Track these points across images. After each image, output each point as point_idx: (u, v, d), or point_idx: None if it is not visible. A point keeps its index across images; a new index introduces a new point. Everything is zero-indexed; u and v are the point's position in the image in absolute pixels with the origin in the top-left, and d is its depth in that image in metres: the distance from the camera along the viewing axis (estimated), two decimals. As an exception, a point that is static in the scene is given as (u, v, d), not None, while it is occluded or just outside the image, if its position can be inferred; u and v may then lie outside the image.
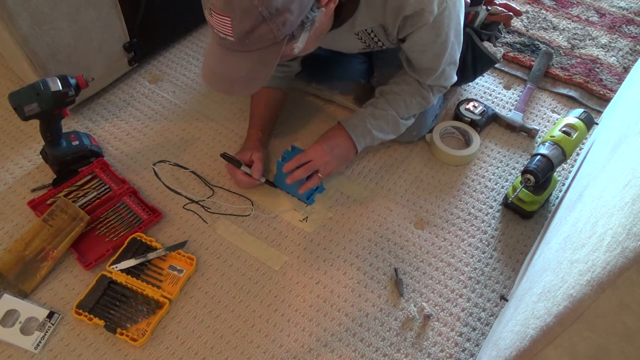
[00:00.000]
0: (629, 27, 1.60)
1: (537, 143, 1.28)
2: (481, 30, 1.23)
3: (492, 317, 0.97)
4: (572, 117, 1.09)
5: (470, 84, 1.40)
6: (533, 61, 1.45)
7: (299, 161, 1.02)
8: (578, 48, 1.52)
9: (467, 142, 1.25)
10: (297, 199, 1.12)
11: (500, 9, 1.26)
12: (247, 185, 1.10)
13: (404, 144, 1.24)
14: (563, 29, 1.58)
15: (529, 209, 1.09)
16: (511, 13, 1.26)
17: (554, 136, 1.05)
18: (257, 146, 1.12)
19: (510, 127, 1.30)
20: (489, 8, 1.24)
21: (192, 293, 0.98)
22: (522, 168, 1.17)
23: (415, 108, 1.10)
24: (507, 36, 1.54)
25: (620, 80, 1.42)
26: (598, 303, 0.43)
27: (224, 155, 1.07)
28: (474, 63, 1.25)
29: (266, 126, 1.17)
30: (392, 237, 1.08)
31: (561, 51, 1.50)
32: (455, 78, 1.10)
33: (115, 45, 1.25)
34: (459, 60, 1.25)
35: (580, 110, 1.11)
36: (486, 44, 1.23)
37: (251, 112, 1.18)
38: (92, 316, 0.91)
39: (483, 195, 1.16)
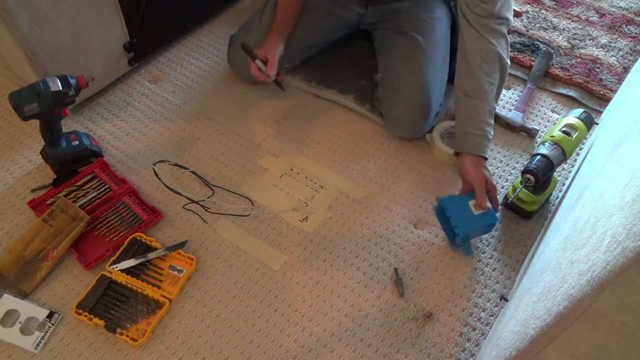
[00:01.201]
0: (629, 27, 1.60)
1: (537, 143, 1.28)
2: None
3: (492, 317, 0.97)
4: (572, 117, 1.09)
5: (470, 84, 1.40)
6: (533, 61, 1.45)
7: (483, 194, 1.00)
8: (578, 48, 1.52)
9: (467, 142, 1.25)
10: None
11: None
12: (260, 78, 1.15)
13: (404, 143, 1.25)
14: (563, 29, 1.58)
15: (529, 209, 1.09)
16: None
17: (554, 136, 1.05)
18: (276, 42, 1.16)
19: (510, 127, 1.30)
20: None
21: (192, 293, 0.98)
22: (522, 168, 1.17)
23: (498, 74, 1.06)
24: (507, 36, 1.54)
25: (620, 80, 1.42)
26: (598, 303, 0.43)
27: (243, 45, 1.12)
28: None
29: (288, 22, 1.20)
30: (392, 237, 1.08)
31: (561, 51, 1.50)
32: (511, 17, 1.06)
33: (115, 45, 1.25)
34: None
35: (580, 110, 1.10)
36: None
37: (276, 11, 1.20)
38: (92, 316, 0.91)
39: (483, 195, 1.16)
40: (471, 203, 1.01)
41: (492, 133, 1.06)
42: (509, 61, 1.08)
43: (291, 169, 1.18)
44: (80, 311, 0.92)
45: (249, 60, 1.13)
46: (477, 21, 1.02)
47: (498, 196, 1.15)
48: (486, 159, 1.05)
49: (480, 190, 1.00)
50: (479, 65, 1.04)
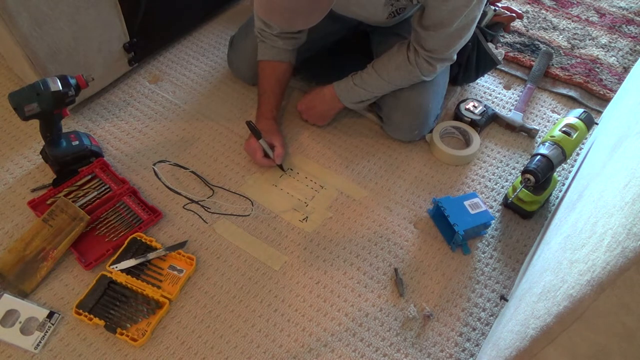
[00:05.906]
0: (629, 27, 1.60)
1: (537, 143, 1.28)
2: (486, 29, 1.23)
3: (492, 317, 0.97)
4: (572, 117, 1.09)
5: (470, 84, 1.40)
6: (533, 61, 1.45)
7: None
8: (578, 48, 1.52)
9: (467, 142, 1.25)
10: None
11: (503, 10, 1.26)
12: (265, 165, 1.16)
13: (404, 144, 1.25)
14: (563, 29, 1.58)
15: (529, 209, 1.09)
16: (514, 14, 1.27)
17: (554, 136, 1.05)
18: (275, 128, 1.18)
19: (510, 127, 1.30)
20: (496, 8, 1.24)
21: (192, 293, 0.98)
22: (522, 168, 1.17)
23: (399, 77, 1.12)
24: (507, 36, 1.55)
25: (620, 80, 1.42)
26: (598, 303, 0.43)
27: (249, 124, 1.12)
28: (477, 63, 1.26)
29: (278, 102, 1.21)
30: (392, 237, 1.08)
31: (561, 51, 1.50)
32: (454, 57, 1.09)
33: (115, 45, 1.25)
34: (464, 60, 1.25)
35: (580, 110, 1.10)
36: (490, 45, 1.24)
37: (262, 87, 1.19)
38: (92, 316, 0.91)
39: (483, 195, 1.16)
40: (466, 203, 1.06)
41: (353, 106, 1.20)
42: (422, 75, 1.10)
43: (291, 169, 1.18)
44: (80, 311, 0.92)
45: (255, 149, 1.13)
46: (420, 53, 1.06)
47: (498, 196, 1.16)
48: (341, 107, 1.20)
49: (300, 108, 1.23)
50: (393, 70, 1.10)
